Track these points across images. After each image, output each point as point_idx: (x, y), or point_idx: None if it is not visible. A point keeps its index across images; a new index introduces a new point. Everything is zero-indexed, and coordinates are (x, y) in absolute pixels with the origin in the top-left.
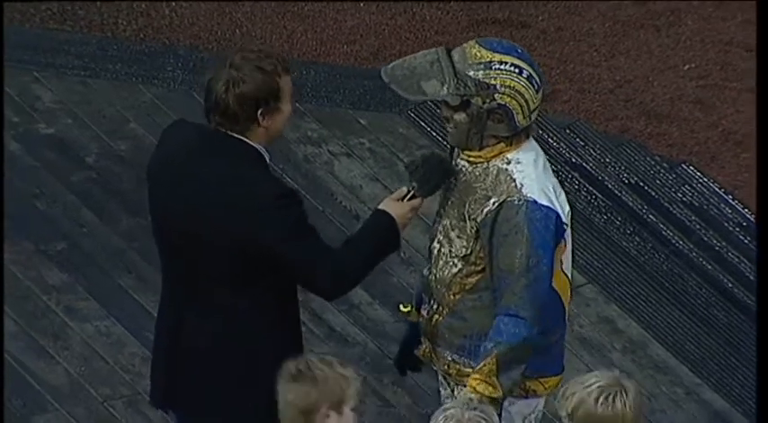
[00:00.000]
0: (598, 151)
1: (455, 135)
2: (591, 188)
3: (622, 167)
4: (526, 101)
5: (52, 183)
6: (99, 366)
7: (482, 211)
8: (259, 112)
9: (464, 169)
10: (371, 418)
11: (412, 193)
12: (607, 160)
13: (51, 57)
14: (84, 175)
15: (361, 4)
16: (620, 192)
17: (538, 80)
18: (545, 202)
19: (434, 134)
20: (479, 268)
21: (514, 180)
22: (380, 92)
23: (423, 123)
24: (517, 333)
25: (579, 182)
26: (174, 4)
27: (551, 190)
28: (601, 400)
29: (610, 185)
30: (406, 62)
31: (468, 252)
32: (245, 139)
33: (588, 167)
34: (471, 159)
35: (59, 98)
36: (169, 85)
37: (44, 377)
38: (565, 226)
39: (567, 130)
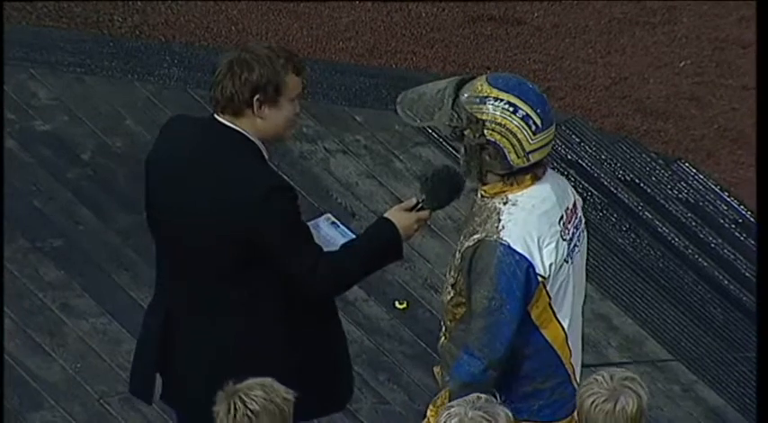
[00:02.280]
0: (594, 148)
1: (461, 164)
2: (587, 185)
3: (618, 164)
4: (519, 141)
5: (48, 180)
6: (95, 363)
7: (465, 245)
8: (256, 97)
9: (476, 200)
10: (367, 415)
11: (420, 204)
12: (603, 157)
13: (47, 54)
14: (79, 171)
15: (357, 1)
16: (616, 189)
17: (537, 122)
18: (520, 250)
19: (430, 131)
20: (464, 300)
21: (500, 221)
22: (376, 89)
23: None
24: (470, 372)
25: (575, 179)
26: (169, 1)
27: (534, 239)
28: (609, 398)
29: (606, 182)
30: (420, 87)
31: (454, 282)
32: (243, 131)
33: (584, 164)
34: (481, 192)
35: (55, 95)
36: (164, 82)
37: (40, 374)
38: (540, 278)
39: (563, 127)
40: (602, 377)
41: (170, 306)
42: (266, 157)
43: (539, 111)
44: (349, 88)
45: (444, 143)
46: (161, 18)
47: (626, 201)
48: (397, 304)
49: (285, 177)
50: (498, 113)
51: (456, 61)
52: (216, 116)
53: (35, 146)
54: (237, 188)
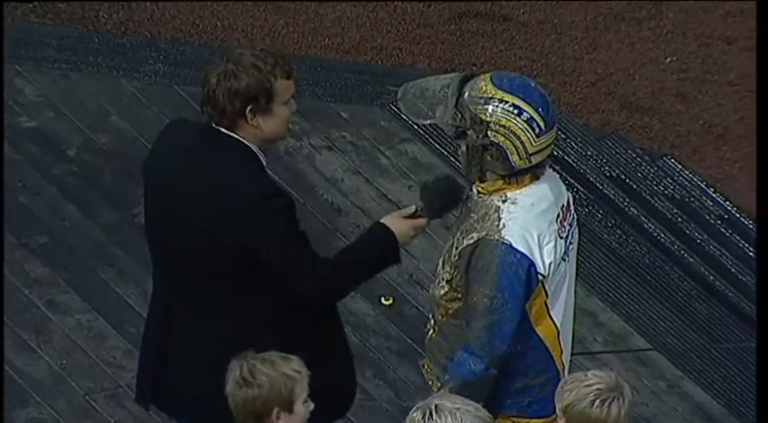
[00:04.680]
0: (579, 144)
1: (461, 163)
2: (572, 181)
3: (604, 160)
4: (522, 143)
5: (34, 176)
6: (81, 360)
7: (464, 242)
8: (248, 109)
9: (472, 196)
10: (353, 411)
11: (419, 212)
12: (588, 153)
13: (33, 50)
14: (65, 168)
15: None
16: (602, 185)
17: (541, 124)
18: (521, 249)
19: (416, 128)
20: (459, 295)
21: (500, 219)
22: (362, 85)
23: (404, 117)
24: (471, 370)
25: (561, 175)
26: None
27: (534, 237)
28: (597, 402)
29: (591, 178)
30: (422, 82)
31: (450, 278)
32: (239, 138)
33: (570, 160)
34: (478, 189)
35: (41, 91)
36: (150, 79)
37: (26, 371)
38: (540, 276)
39: None
40: (597, 378)
41: (165, 311)
42: (264, 163)
43: (543, 113)
44: (335, 84)
45: (431, 140)
46: (147, 14)
47: (612, 197)
48: (383, 300)
49: (271, 175)
50: (502, 115)
51: (442, 58)
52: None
53: (21, 142)
54: (229, 194)
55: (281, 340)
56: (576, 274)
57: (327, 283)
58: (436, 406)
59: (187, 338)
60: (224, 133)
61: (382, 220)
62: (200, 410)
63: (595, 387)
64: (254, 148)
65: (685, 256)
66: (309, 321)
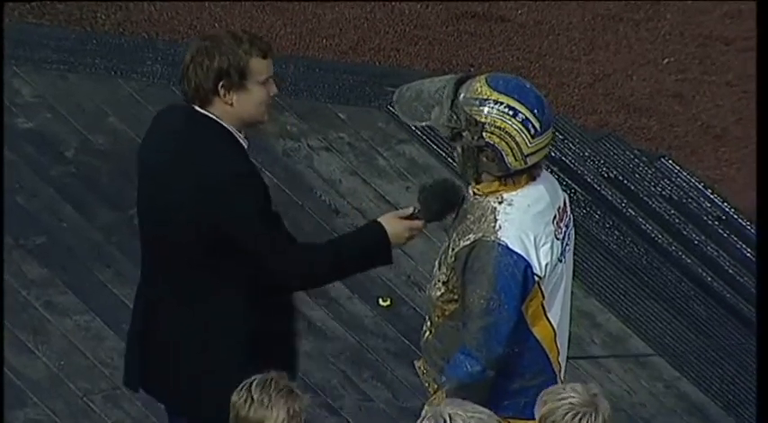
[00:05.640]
0: (577, 145)
1: (457, 164)
2: (570, 182)
3: (602, 161)
4: (517, 144)
5: (31, 177)
6: (78, 361)
7: (460, 243)
8: (220, 84)
9: (468, 198)
10: (351, 412)
11: (415, 214)
12: (586, 154)
13: (30, 51)
14: (63, 169)
15: None
16: (600, 186)
17: (536, 125)
18: (518, 250)
19: (413, 129)
20: (455, 297)
21: (496, 220)
22: (360, 86)
23: None
24: (468, 372)
25: (559, 176)
26: None
27: (531, 239)
28: (568, 417)
29: (589, 179)
30: (417, 84)
31: (446, 279)
32: (215, 117)
33: (567, 162)
34: (474, 191)
35: (39, 92)
36: (148, 79)
37: (23, 371)
38: (536, 277)
39: None
40: (573, 392)
41: (150, 297)
42: (243, 143)
43: (538, 114)
44: (332, 85)
45: (428, 141)
46: (144, 15)
47: (609, 198)
48: (380, 301)
49: (269, 175)
50: (498, 117)
51: (439, 58)
52: (194, 106)
53: (18, 143)
54: (203, 176)
55: (261, 326)
56: (574, 276)
57: (304, 271)
58: (450, 416)
59: (176, 329)
60: (202, 114)
61: (378, 219)
62: (189, 398)
63: (569, 401)
64: (232, 129)
65: (683, 257)
66: (284, 308)
